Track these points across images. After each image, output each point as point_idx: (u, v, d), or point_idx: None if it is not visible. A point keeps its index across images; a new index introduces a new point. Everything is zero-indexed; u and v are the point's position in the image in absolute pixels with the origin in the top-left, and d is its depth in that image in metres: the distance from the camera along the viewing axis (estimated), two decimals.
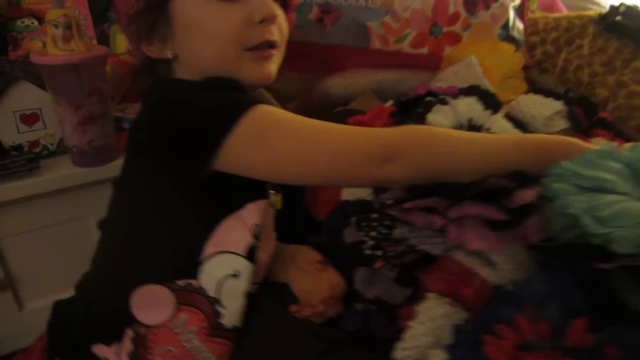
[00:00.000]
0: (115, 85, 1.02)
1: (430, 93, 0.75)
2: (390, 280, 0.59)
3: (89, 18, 1.06)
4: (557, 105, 0.73)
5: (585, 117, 0.75)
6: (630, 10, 1.04)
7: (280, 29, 0.62)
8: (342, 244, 0.65)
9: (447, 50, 0.96)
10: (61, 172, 0.88)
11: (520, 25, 1.03)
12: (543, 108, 0.74)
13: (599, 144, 0.68)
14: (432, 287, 0.54)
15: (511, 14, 1.00)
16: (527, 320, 0.46)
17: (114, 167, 0.88)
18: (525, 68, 0.98)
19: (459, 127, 0.70)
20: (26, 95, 0.86)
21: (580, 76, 1.00)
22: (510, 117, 0.75)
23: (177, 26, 0.59)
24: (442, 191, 0.56)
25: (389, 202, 0.68)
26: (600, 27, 1.02)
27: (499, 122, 0.71)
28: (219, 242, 0.57)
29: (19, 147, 0.88)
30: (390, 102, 0.88)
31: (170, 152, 0.54)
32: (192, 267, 0.57)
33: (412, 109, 0.75)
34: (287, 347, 0.60)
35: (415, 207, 0.55)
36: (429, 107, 0.71)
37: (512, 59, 0.96)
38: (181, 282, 0.57)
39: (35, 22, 1.05)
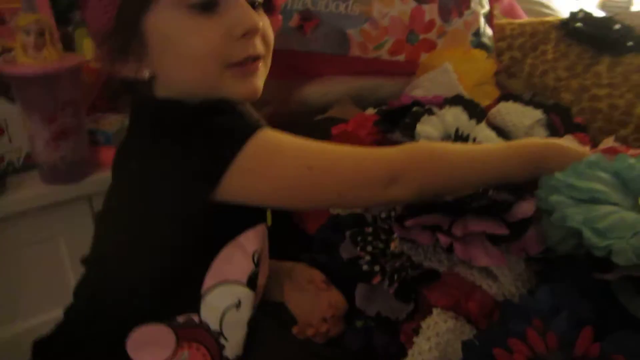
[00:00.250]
0: (83, 94, 0.97)
1: (416, 103, 0.76)
2: (391, 295, 0.59)
3: (51, 20, 0.99)
4: (537, 114, 0.76)
5: (562, 124, 0.78)
6: (588, 16, 1.09)
7: (265, 39, 0.57)
8: (340, 260, 0.65)
9: (423, 57, 0.98)
10: (30, 190, 0.83)
11: (489, 31, 1.05)
12: (524, 117, 0.76)
13: (569, 139, 0.72)
14: (437, 302, 0.55)
15: (482, 20, 1.02)
16: (536, 334, 0.47)
17: (88, 184, 0.84)
18: (495, 73, 1.01)
19: (447, 137, 0.72)
20: None
21: (546, 81, 1.04)
22: (491, 125, 0.77)
23: (152, 45, 0.54)
24: (441, 207, 0.57)
25: (383, 215, 0.69)
26: (562, 33, 1.07)
27: (483, 132, 0.73)
28: (219, 272, 0.55)
29: None
30: (371, 110, 0.88)
31: (168, 184, 0.50)
32: (193, 301, 0.55)
33: (397, 118, 0.76)
34: None
35: (416, 224, 0.56)
36: (417, 118, 0.72)
37: (485, 66, 0.99)
38: (182, 318, 0.55)
39: None
